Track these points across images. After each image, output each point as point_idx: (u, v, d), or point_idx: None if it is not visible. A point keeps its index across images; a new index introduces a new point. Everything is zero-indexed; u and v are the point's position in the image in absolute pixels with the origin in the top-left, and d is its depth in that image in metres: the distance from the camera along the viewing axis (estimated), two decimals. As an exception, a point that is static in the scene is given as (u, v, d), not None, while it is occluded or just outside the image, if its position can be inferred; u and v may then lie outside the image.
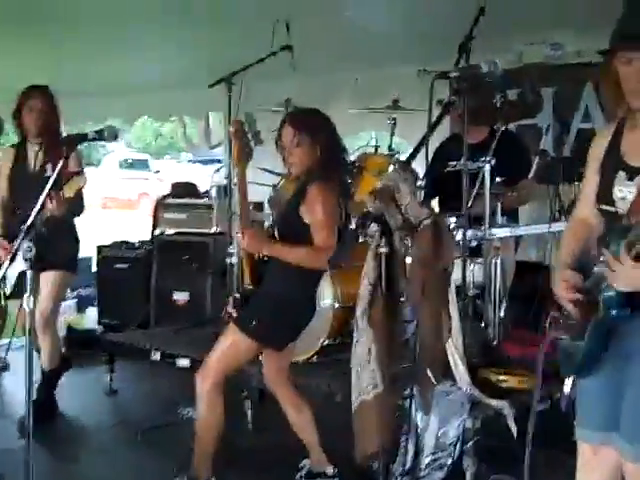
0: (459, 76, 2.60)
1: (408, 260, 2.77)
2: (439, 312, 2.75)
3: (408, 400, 3.57)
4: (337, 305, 4.36)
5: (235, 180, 4.00)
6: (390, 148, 4.92)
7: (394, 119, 5.03)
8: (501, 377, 3.90)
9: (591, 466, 2.52)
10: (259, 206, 5.73)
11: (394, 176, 2.58)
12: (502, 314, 4.45)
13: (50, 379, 4.84)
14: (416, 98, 5.67)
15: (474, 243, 4.41)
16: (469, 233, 4.20)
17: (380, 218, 2.46)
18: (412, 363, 3.87)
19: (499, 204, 4.52)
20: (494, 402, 3.66)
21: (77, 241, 4.88)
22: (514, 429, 3.62)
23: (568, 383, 2.54)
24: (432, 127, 2.56)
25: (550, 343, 4.18)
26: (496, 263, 4.43)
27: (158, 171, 22.88)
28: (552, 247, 4.96)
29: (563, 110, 5.64)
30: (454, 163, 5.11)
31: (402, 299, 2.90)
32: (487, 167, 4.38)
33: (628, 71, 2.28)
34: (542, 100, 5.87)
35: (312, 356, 4.42)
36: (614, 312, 2.28)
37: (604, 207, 2.41)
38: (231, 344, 3.54)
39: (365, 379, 2.77)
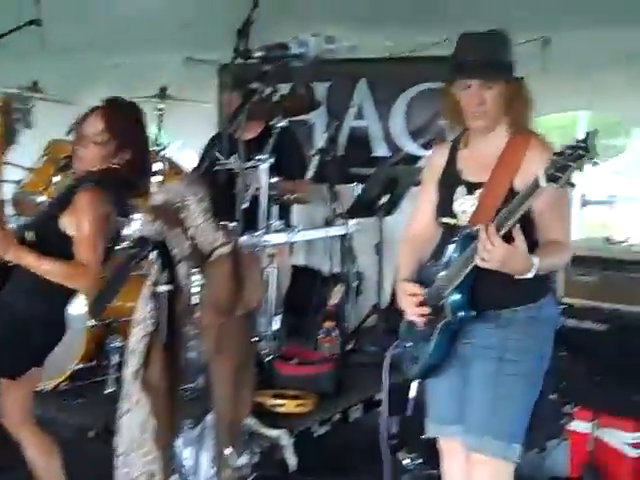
0: (265, 56, 2.10)
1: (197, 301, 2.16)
2: (240, 370, 2.14)
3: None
4: (91, 323, 3.79)
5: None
6: (157, 143, 4.39)
7: (161, 110, 4.50)
8: (277, 401, 3.56)
9: (447, 457, 2.74)
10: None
11: (179, 189, 2.03)
12: (276, 327, 4.10)
13: None
14: (183, 88, 5.24)
15: (247, 251, 4.03)
16: (242, 239, 3.81)
17: (160, 244, 1.94)
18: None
19: (275, 207, 4.17)
20: (271, 432, 3.30)
21: None
22: (292, 461, 3.30)
23: (414, 387, 2.79)
24: (232, 118, 2.08)
25: (329, 360, 3.95)
26: (270, 271, 4.07)
27: None
28: (327, 252, 4.69)
29: (336, 107, 5.40)
30: (226, 162, 4.72)
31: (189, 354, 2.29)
32: (264, 166, 4.00)
33: (467, 97, 2.54)
34: (315, 96, 5.58)
35: (61, 382, 3.81)
36: (461, 314, 2.50)
37: (445, 220, 2.63)
38: None
39: (137, 465, 2.09)
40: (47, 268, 2.85)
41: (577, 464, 3.57)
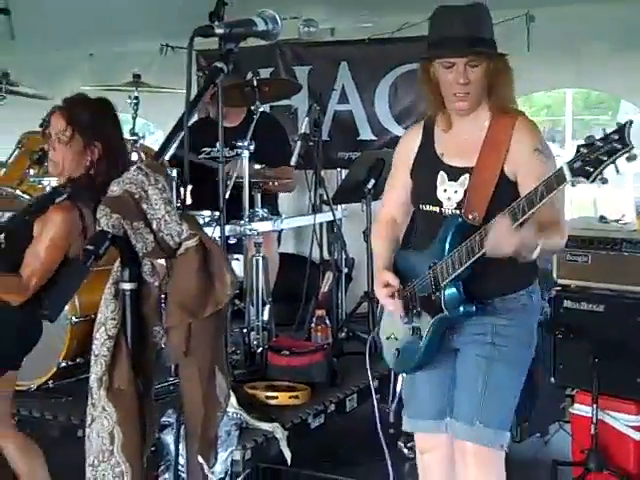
0: (228, 33, 1.97)
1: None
2: (211, 372, 2.01)
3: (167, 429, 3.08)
4: (75, 319, 3.66)
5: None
6: (133, 132, 4.24)
7: (136, 98, 4.35)
8: (269, 393, 3.47)
9: (426, 454, 2.65)
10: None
11: (139, 178, 1.87)
12: (266, 317, 4.00)
13: None
14: (159, 76, 5.11)
15: (233, 240, 3.93)
16: (227, 228, 3.70)
17: (120, 240, 1.80)
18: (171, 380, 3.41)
19: (259, 195, 4.06)
20: (265, 426, 3.21)
21: None
22: (288, 454, 3.20)
23: (400, 381, 2.75)
24: (193, 102, 1.93)
25: (321, 349, 3.85)
26: (257, 260, 3.97)
27: None
28: (315, 239, 4.59)
29: (319, 90, 5.28)
30: (208, 150, 4.62)
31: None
32: (246, 153, 3.88)
33: (450, 76, 2.38)
34: (297, 79, 5.48)
35: (46, 381, 3.68)
36: (461, 309, 2.37)
37: (428, 208, 2.50)
38: None
39: (107, 477, 1.97)
40: None
41: (580, 447, 3.50)
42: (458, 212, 2.42)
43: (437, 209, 2.47)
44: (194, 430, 1.97)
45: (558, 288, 3.77)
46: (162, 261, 1.92)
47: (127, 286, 1.88)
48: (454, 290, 2.36)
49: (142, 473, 1.91)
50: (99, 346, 1.90)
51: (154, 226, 1.87)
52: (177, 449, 2.10)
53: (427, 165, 2.52)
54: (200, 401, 1.94)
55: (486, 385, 2.43)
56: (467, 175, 2.42)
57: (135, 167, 1.92)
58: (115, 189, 1.87)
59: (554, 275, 3.80)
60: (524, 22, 4.85)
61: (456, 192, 2.43)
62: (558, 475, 3.56)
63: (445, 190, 2.45)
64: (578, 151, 2.05)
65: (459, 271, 2.34)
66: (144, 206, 1.86)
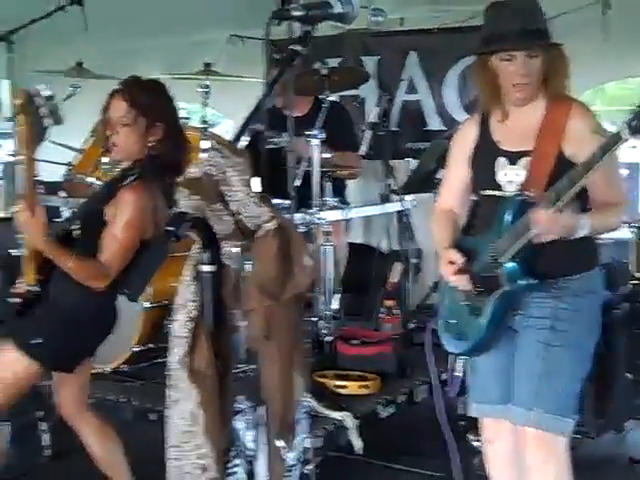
0: (305, 15, 1.95)
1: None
2: (290, 357, 1.99)
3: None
4: (148, 305, 3.71)
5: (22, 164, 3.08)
6: (204, 120, 4.27)
7: (207, 87, 4.38)
8: (339, 382, 3.47)
9: (492, 440, 2.67)
10: (54, 189, 4.84)
11: (218, 160, 1.87)
12: (335, 306, 3.99)
13: None
14: (228, 67, 5.14)
15: (303, 228, 3.92)
16: (297, 217, 3.70)
17: (200, 221, 1.80)
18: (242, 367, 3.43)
19: (329, 184, 4.04)
20: (335, 414, 3.21)
21: None
22: (357, 444, 3.20)
23: (459, 365, 2.62)
24: (270, 85, 1.94)
25: (391, 339, 3.83)
26: (326, 250, 3.96)
27: None
28: (384, 229, 4.57)
29: (387, 80, 5.24)
30: (277, 139, 4.61)
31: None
32: (315, 142, 3.87)
33: (510, 68, 2.45)
34: (366, 69, 5.44)
35: (120, 365, 3.74)
36: (523, 282, 2.39)
37: (489, 192, 2.55)
38: (5, 364, 2.80)
39: (189, 458, 1.97)
40: (70, 265, 2.77)
41: (657, 445, 3.41)
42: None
43: (499, 193, 2.53)
44: (273, 414, 1.96)
45: (635, 282, 3.68)
46: (236, 248, 1.92)
47: (207, 268, 1.89)
48: (514, 264, 2.39)
49: (223, 455, 1.92)
50: (180, 328, 1.90)
51: (233, 208, 1.87)
52: (258, 435, 2.10)
53: (485, 153, 2.58)
54: (280, 385, 1.94)
55: (545, 371, 2.43)
56: (527, 158, 2.48)
57: (214, 150, 1.92)
58: (194, 171, 1.87)
59: (631, 268, 3.71)
60: (599, 9, 4.73)
61: (517, 175, 2.48)
62: (634, 473, 3.47)
63: (506, 174, 2.51)
64: (635, 110, 2.12)
65: (518, 247, 2.38)
66: (223, 188, 1.87)
